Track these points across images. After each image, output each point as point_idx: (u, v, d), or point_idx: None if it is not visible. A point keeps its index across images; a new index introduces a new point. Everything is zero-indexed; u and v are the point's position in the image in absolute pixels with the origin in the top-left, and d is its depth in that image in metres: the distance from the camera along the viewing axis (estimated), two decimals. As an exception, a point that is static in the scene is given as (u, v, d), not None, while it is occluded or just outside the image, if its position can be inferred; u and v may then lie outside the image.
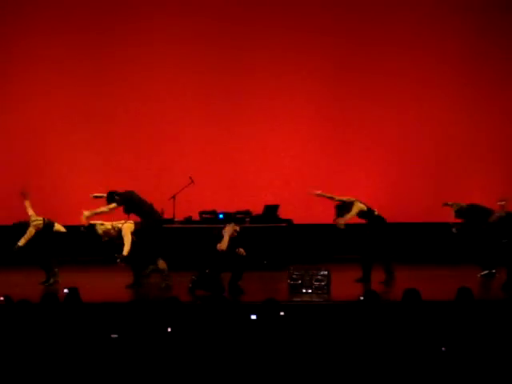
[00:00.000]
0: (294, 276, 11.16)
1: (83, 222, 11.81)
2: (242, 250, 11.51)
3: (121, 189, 12.14)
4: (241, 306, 8.83)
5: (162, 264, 12.01)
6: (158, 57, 15.70)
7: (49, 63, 15.74)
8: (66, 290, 7.60)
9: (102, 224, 11.95)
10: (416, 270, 12.94)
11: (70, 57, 15.71)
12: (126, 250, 11.54)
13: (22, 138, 15.72)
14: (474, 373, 5.62)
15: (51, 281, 12.33)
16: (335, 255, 14.74)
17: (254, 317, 7.51)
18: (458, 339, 6.00)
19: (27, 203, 12.39)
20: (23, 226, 12.30)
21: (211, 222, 14.10)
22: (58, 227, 12.57)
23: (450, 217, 12.84)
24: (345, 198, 12.27)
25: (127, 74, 15.73)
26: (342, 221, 12.01)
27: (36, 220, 12.30)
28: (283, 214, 14.57)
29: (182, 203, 14.14)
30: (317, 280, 11.07)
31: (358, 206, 12.09)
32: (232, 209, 14.44)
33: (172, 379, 5.66)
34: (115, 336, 6.38)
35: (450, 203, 12.71)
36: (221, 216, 14.32)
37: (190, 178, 13.96)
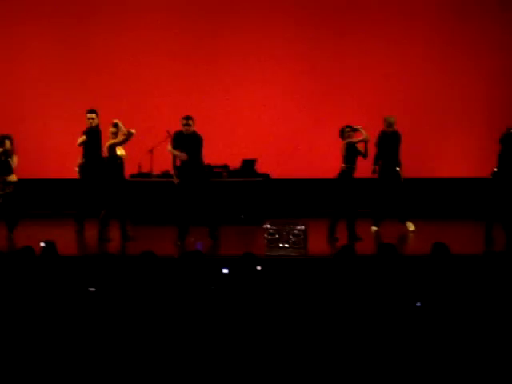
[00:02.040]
0: (271, 230, 11.18)
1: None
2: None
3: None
4: (217, 260, 8.85)
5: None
6: (136, 14, 15.58)
7: (27, 23, 15.61)
8: (42, 244, 7.56)
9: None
10: (394, 225, 12.96)
11: (49, 15, 15.60)
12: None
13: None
14: (450, 328, 5.67)
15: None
16: (312, 210, 14.75)
17: (225, 270, 7.53)
18: (433, 294, 6.04)
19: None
20: None
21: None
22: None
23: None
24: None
25: (105, 29, 15.60)
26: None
27: None
28: (260, 168, 14.59)
29: (159, 157, 14.10)
30: (294, 235, 11.10)
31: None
32: (209, 162, 14.45)
33: (148, 333, 5.67)
34: (93, 289, 6.38)
35: None
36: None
37: (168, 131, 13.88)
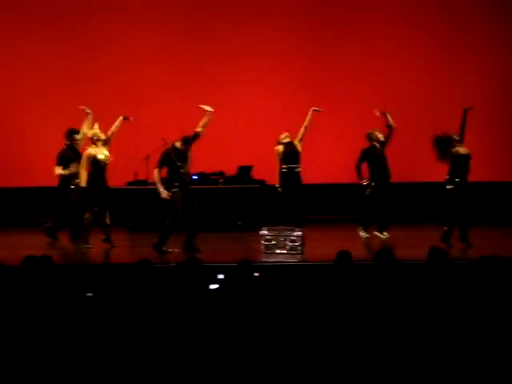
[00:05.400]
0: (268, 237, 11.18)
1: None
2: None
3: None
4: (214, 267, 8.84)
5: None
6: (137, 18, 15.59)
7: (29, 25, 15.65)
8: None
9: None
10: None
11: (48, 17, 15.63)
12: None
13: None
14: (446, 334, 5.68)
15: None
16: (308, 215, 14.72)
17: (221, 276, 7.52)
18: (430, 300, 6.04)
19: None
20: None
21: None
22: None
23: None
24: None
25: (104, 34, 15.59)
26: None
27: None
28: (257, 174, 14.59)
29: (155, 164, 14.06)
30: (291, 241, 11.10)
31: None
32: (205, 169, 14.46)
33: (144, 338, 5.67)
34: (90, 295, 6.38)
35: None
36: (195, 177, 14.32)
37: (163, 139, 13.85)
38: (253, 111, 15.52)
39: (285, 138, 12.60)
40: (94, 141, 11.79)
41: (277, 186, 12.64)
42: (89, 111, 12.25)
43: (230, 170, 14.64)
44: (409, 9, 15.60)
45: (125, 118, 12.05)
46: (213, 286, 6.90)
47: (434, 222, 12.29)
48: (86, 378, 5.50)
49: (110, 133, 11.91)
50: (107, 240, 11.86)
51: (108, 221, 11.87)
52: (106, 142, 11.85)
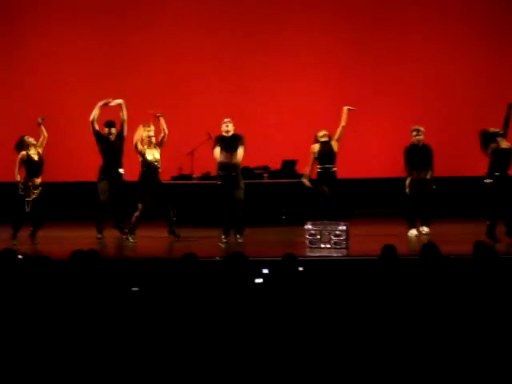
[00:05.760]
0: (312, 231, 11.15)
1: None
2: None
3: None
4: (259, 261, 8.85)
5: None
6: (186, 13, 15.74)
7: (71, 19, 15.83)
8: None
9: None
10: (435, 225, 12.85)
11: (91, 12, 15.80)
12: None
13: (40, 94, 15.77)
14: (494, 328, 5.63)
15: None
16: (354, 210, 14.71)
17: (265, 270, 7.54)
18: (477, 296, 6.00)
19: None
20: None
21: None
22: None
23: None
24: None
25: (153, 30, 15.75)
26: None
27: None
28: (301, 169, 14.56)
29: (200, 159, 14.15)
30: (335, 235, 11.07)
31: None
32: (250, 164, 14.48)
33: (187, 334, 5.70)
34: (136, 289, 6.42)
35: None
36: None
37: (208, 133, 13.93)
38: (297, 105, 15.53)
39: (323, 136, 12.40)
40: (145, 141, 11.91)
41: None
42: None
43: (275, 164, 14.64)
44: (452, 2, 15.52)
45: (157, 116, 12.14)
46: (258, 281, 6.91)
47: (481, 216, 12.16)
48: (132, 370, 5.54)
49: (163, 137, 12.01)
50: (172, 232, 12.06)
51: (172, 215, 12.05)
52: (158, 144, 11.97)
